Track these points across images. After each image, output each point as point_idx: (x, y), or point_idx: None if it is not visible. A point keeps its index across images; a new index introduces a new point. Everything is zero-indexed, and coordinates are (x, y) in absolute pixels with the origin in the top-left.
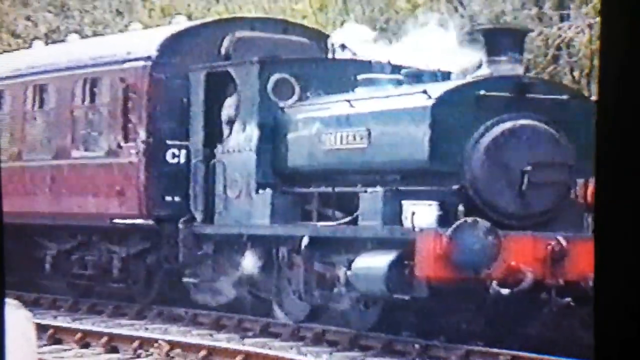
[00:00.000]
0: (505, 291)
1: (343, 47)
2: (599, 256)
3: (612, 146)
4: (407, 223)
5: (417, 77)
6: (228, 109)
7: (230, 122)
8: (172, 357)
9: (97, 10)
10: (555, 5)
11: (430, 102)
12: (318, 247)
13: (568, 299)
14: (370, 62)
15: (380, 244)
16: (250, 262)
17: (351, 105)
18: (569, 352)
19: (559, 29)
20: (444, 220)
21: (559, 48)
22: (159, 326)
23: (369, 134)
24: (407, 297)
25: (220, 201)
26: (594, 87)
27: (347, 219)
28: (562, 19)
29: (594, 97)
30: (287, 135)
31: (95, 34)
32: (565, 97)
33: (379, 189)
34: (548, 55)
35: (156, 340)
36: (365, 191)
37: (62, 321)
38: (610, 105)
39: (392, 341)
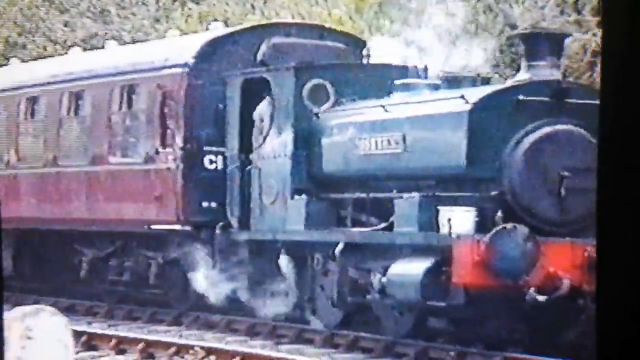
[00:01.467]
0: (542, 298)
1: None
2: (600, 257)
3: (613, 146)
4: (443, 229)
5: (455, 81)
6: (258, 114)
7: (262, 128)
8: None
9: (135, 17)
10: (594, 11)
11: (467, 107)
12: (353, 254)
13: None
14: (406, 67)
15: (416, 251)
16: (285, 268)
17: (386, 110)
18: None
19: (595, 35)
20: (482, 226)
21: (595, 54)
22: (194, 332)
23: (404, 139)
24: (443, 304)
25: (255, 207)
26: None
27: (383, 225)
28: (600, 24)
29: None
30: (321, 141)
31: (133, 41)
32: None
33: (414, 194)
34: (584, 61)
35: (192, 347)
36: (401, 197)
37: (98, 327)
38: (611, 107)
39: (427, 348)
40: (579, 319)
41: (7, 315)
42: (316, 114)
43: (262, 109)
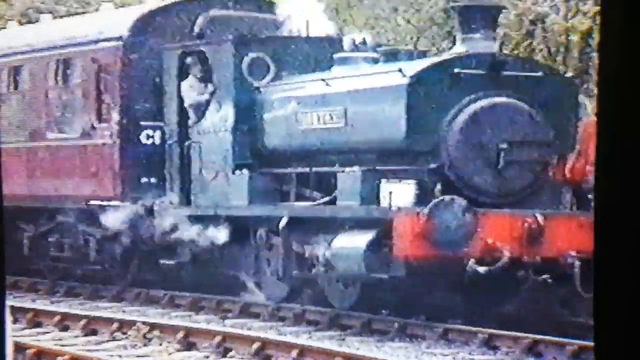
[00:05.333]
0: (482, 269)
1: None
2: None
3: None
4: (385, 202)
5: (393, 55)
6: (195, 87)
7: (201, 102)
8: (150, 339)
9: None
10: None
11: (405, 81)
12: (296, 228)
13: (545, 276)
14: (345, 39)
15: (358, 224)
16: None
17: (327, 84)
18: (547, 330)
19: (534, 3)
20: (422, 199)
21: (533, 23)
22: (137, 308)
23: (346, 113)
24: (385, 276)
25: (196, 182)
26: (570, 62)
27: (325, 199)
28: None
29: (569, 73)
30: (263, 115)
31: (69, 14)
32: (540, 73)
33: (356, 168)
34: (522, 29)
35: (134, 322)
36: (343, 171)
37: (41, 304)
38: (610, 104)
39: (371, 320)
40: (519, 291)
41: None
42: (257, 88)
43: (197, 85)
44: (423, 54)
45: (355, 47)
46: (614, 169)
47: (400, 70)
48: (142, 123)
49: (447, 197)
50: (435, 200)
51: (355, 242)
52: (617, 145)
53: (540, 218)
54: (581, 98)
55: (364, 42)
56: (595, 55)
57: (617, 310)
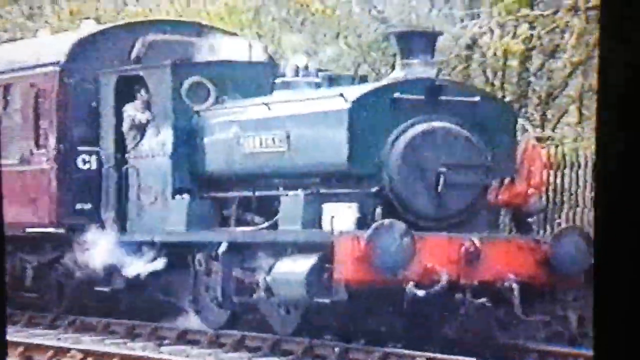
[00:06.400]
0: (421, 292)
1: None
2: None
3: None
4: (326, 226)
5: (334, 80)
6: (133, 112)
7: (139, 126)
8: None
9: (11, 15)
10: (465, 6)
11: (347, 105)
12: (237, 253)
13: (483, 300)
14: (288, 64)
15: (300, 248)
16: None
17: (269, 108)
18: (485, 353)
19: (464, 27)
20: (363, 222)
21: (468, 47)
22: (72, 335)
23: (288, 137)
24: (327, 301)
25: (133, 207)
26: (508, 87)
27: (267, 224)
28: (473, 18)
29: (507, 97)
30: (204, 139)
31: (10, 40)
32: (477, 98)
33: (299, 192)
34: (459, 55)
35: (69, 350)
36: (286, 195)
37: None
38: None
39: (313, 345)
40: (457, 314)
41: None
42: (197, 112)
43: (134, 110)
44: (364, 79)
45: (297, 72)
46: (614, 180)
47: (341, 95)
48: (79, 148)
49: (386, 221)
50: (375, 225)
51: (296, 267)
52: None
53: (477, 241)
54: (521, 121)
55: (306, 67)
56: (533, 79)
57: (616, 317)
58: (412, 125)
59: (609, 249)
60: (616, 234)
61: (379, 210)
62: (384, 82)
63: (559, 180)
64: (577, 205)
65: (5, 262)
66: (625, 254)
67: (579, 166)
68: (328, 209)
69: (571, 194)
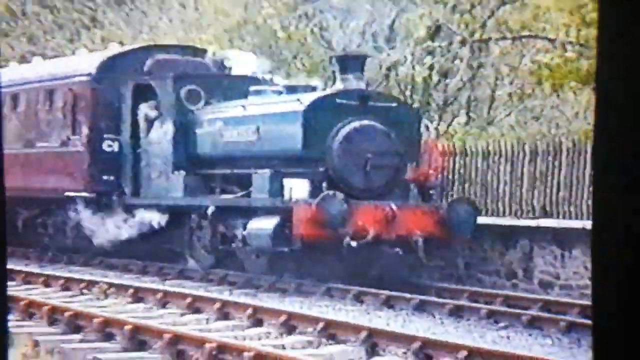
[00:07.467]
0: (354, 243)
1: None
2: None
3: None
4: (287, 196)
5: (293, 89)
6: (145, 110)
7: (149, 121)
8: (109, 294)
9: (55, 39)
10: (386, 40)
11: (302, 107)
12: (221, 214)
13: (398, 249)
14: (257, 78)
15: (267, 212)
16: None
17: (244, 109)
18: (398, 289)
19: (388, 55)
20: (313, 193)
21: (388, 69)
22: (100, 271)
23: (258, 130)
24: (286, 249)
25: (144, 179)
26: (415, 97)
27: (243, 193)
28: (392, 48)
29: (415, 104)
30: (196, 131)
31: (55, 56)
32: (394, 104)
33: (266, 170)
34: (381, 72)
35: (97, 282)
36: (257, 173)
37: (32, 268)
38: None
39: (276, 281)
40: (380, 259)
41: None
42: (191, 111)
43: (146, 109)
44: (314, 89)
45: (266, 82)
46: (610, 180)
47: (298, 100)
48: (105, 136)
49: (330, 192)
50: (322, 195)
51: (265, 224)
52: (616, 145)
53: (394, 207)
54: (424, 122)
55: (271, 80)
56: (433, 92)
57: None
58: (348, 123)
59: (608, 249)
60: (615, 229)
61: (324, 184)
62: (329, 91)
63: (451, 165)
64: (465, 182)
65: (5, 226)
66: (624, 249)
67: (466, 154)
68: (288, 183)
69: (460, 174)
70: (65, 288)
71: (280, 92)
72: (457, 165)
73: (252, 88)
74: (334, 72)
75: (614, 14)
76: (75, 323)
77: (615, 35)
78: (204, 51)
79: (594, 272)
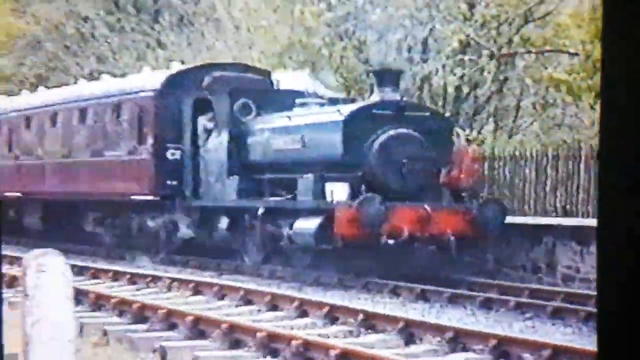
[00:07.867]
0: (391, 241)
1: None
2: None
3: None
4: (328, 198)
5: (334, 101)
6: (203, 122)
7: (207, 131)
8: (172, 288)
9: (122, 59)
10: (420, 52)
11: (342, 118)
12: (270, 215)
13: (432, 247)
14: (303, 91)
15: (311, 212)
16: (224, 225)
17: (290, 120)
18: (431, 283)
19: (422, 68)
20: (353, 195)
21: (421, 80)
22: (163, 267)
23: (303, 138)
24: (329, 247)
25: (203, 184)
26: (447, 107)
27: (289, 196)
28: (425, 61)
29: (447, 114)
30: (248, 140)
31: (122, 75)
32: (427, 114)
33: (310, 175)
34: (415, 85)
35: (161, 278)
36: (301, 177)
37: (100, 264)
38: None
39: (320, 276)
40: (414, 256)
41: (26, 255)
42: (243, 122)
43: (203, 119)
44: (353, 100)
45: (310, 95)
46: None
47: (339, 111)
48: (168, 145)
49: (369, 195)
50: (361, 197)
51: (309, 224)
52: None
53: (428, 208)
54: (456, 130)
55: (315, 93)
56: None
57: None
58: (385, 131)
59: (610, 248)
60: (619, 231)
61: (363, 187)
62: (367, 102)
63: (481, 169)
64: (494, 185)
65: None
66: (627, 248)
67: (495, 159)
68: (329, 186)
69: (489, 178)
70: (132, 282)
71: (323, 104)
72: (486, 170)
73: (298, 100)
74: (372, 84)
75: (617, 16)
76: (142, 314)
77: (618, 37)
78: (256, 68)
79: (599, 273)
